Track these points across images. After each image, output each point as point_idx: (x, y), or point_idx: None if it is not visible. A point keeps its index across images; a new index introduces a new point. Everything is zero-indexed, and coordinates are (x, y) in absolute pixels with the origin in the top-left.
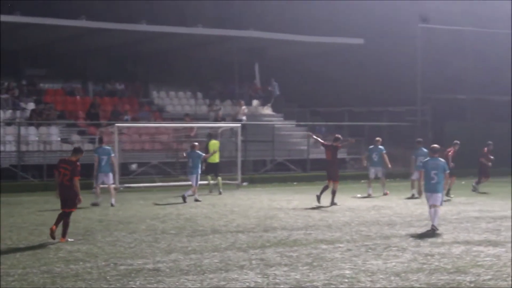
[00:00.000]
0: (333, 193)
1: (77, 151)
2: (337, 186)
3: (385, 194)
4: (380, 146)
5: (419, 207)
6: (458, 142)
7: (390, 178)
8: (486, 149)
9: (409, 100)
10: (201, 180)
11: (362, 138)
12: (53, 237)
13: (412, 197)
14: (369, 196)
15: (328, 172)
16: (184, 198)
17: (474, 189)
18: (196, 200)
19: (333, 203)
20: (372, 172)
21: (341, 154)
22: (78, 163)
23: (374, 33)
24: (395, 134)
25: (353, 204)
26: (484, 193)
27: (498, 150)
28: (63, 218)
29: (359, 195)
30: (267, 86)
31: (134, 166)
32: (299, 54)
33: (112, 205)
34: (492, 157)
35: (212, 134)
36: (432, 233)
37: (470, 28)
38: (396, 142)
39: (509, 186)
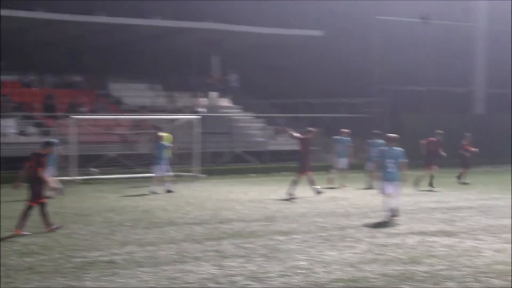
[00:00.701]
0: (312, 183)
1: (47, 144)
2: (312, 176)
3: (343, 186)
4: (347, 138)
5: (375, 198)
6: (441, 131)
7: (349, 169)
8: (464, 141)
9: (367, 91)
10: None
11: (320, 129)
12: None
13: (369, 187)
14: (340, 186)
15: (301, 164)
16: (153, 192)
17: (459, 181)
18: (168, 191)
19: (318, 192)
20: (338, 163)
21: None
22: (45, 156)
23: (332, 25)
24: (353, 126)
25: (310, 195)
26: (465, 183)
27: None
28: (28, 211)
29: (316, 187)
30: (225, 78)
31: (95, 170)
32: (258, 46)
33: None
34: (472, 148)
35: (160, 127)
36: (387, 222)
37: (427, 20)
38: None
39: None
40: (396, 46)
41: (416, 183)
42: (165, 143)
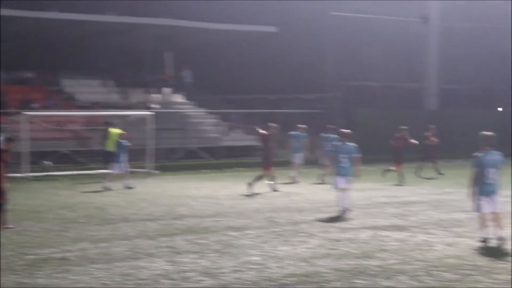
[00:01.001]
0: (272, 179)
1: (9, 140)
2: (274, 172)
3: (296, 181)
4: (303, 134)
5: (328, 193)
6: (405, 127)
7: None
8: (428, 132)
9: (321, 87)
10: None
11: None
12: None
13: (323, 182)
14: (295, 182)
15: (265, 160)
16: (107, 188)
17: (437, 173)
18: (128, 187)
19: (274, 189)
20: (295, 157)
21: (252, 141)
22: (7, 152)
23: (286, 21)
24: (307, 121)
25: (263, 191)
26: (431, 178)
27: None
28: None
29: (267, 182)
30: (179, 74)
31: (48, 163)
32: (212, 42)
33: None
34: (435, 139)
35: (110, 123)
36: (340, 216)
37: (381, 16)
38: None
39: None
40: (349, 42)
41: (383, 175)
42: (123, 141)
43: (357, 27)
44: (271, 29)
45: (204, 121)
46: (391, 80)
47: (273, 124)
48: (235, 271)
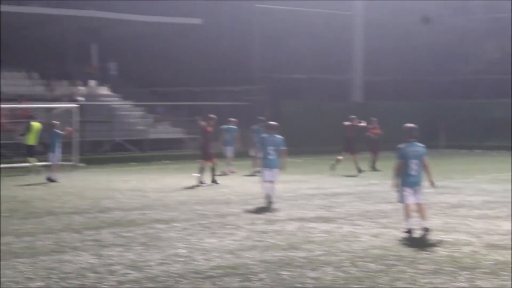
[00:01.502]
0: (202, 171)
1: None
2: (213, 164)
3: (229, 173)
4: (234, 126)
5: (255, 185)
6: (354, 116)
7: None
8: (370, 125)
9: (247, 79)
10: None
11: (200, 117)
12: None
13: (253, 174)
14: (225, 174)
15: (204, 152)
16: (50, 179)
17: (373, 169)
18: (51, 180)
19: (201, 182)
20: (227, 150)
21: (179, 134)
22: None
23: (211, 13)
24: (234, 114)
25: (190, 183)
26: (377, 170)
27: (333, 129)
28: None
29: (195, 174)
30: (104, 65)
31: None
32: (137, 34)
33: None
34: (378, 131)
35: (33, 116)
36: (267, 208)
37: (306, 8)
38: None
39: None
40: (275, 34)
41: (332, 167)
42: (58, 130)
43: (282, 19)
44: (196, 21)
45: (130, 114)
46: (317, 73)
47: (212, 115)
48: (161, 264)
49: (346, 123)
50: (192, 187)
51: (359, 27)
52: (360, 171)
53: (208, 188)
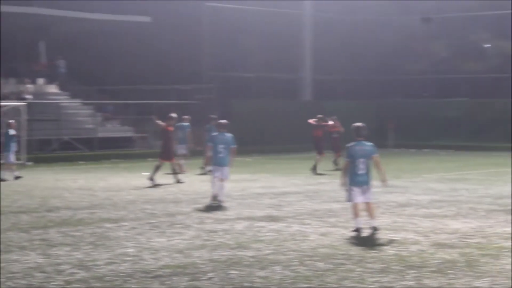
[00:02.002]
0: (156, 168)
1: None
2: (174, 163)
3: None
4: (186, 124)
5: (204, 184)
6: (320, 115)
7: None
8: (332, 123)
9: (197, 78)
10: None
11: (150, 116)
12: None
13: (206, 172)
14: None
15: (163, 152)
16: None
17: (336, 167)
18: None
19: (150, 178)
20: (179, 148)
21: (128, 133)
22: None
23: (160, 11)
24: (183, 112)
25: (139, 183)
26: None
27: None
28: None
29: (145, 173)
30: (53, 63)
31: None
32: (86, 31)
33: None
34: (338, 129)
35: None
36: (216, 207)
37: (256, 7)
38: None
39: (291, 163)
40: (225, 32)
41: (313, 169)
42: (11, 130)
43: (232, 18)
44: (145, 19)
45: (79, 112)
46: (266, 71)
47: (172, 115)
48: (109, 263)
49: (312, 121)
50: (141, 187)
51: (308, 26)
52: (314, 170)
53: (157, 187)
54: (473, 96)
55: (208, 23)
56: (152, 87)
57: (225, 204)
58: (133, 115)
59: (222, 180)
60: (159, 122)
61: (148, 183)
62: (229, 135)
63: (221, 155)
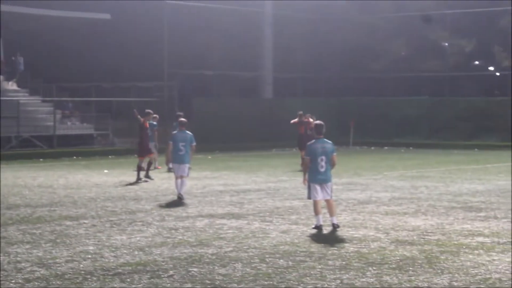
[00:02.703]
0: (139, 168)
1: None
2: (142, 160)
3: (155, 168)
4: (154, 122)
5: (165, 182)
6: (301, 112)
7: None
8: (306, 118)
9: (157, 75)
10: None
11: (109, 113)
12: None
13: (169, 170)
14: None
15: (141, 147)
16: None
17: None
18: None
19: (146, 177)
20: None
21: (88, 130)
22: None
23: (120, 8)
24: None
25: (99, 180)
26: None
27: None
28: None
29: (106, 171)
30: (11, 60)
31: None
32: (45, 28)
33: None
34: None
35: None
36: (177, 205)
37: (216, 5)
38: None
39: (252, 161)
40: (185, 30)
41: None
42: None
43: (192, 16)
44: (105, 16)
45: (38, 109)
46: (227, 69)
47: (149, 111)
48: (69, 261)
49: (294, 120)
50: (101, 184)
51: (269, 24)
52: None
53: (117, 185)
54: (433, 94)
55: (168, 20)
56: (112, 84)
57: (186, 202)
58: (93, 112)
59: (182, 177)
60: (139, 117)
61: (109, 180)
62: (188, 133)
63: (181, 152)
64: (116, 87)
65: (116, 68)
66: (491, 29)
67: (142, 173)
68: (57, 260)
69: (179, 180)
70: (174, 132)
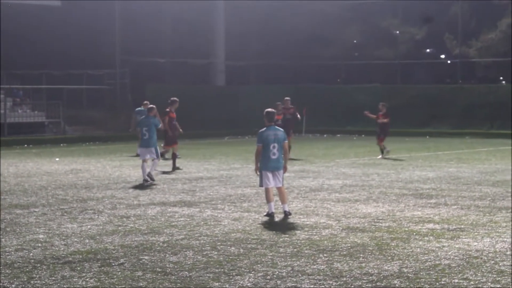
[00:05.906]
0: (174, 156)
1: None
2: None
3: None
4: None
5: (117, 170)
6: (288, 98)
7: (91, 141)
8: (286, 105)
9: (109, 63)
10: None
11: (60, 101)
12: None
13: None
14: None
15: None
16: None
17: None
18: None
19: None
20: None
21: (39, 118)
22: None
23: None
24: (95, 97)
25: (50, 168)
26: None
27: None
28: None
29: (57, 159)
30: None
31: None
32: None
33: None
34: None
35: None
36: (129, 193)
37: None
38: (96, 105)
39: (205, 148)
40: (138, 17)
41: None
42: None
43: (144, 2)
44: (55, 3)
45: None
46: (179, 57)
47: (176, 99)
48: (19, 250)
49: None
50: (52, 172)
51: (220, 11)
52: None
53: (67, 173)
54: (385, 82)
55: (120, 7)
56: (64, 72)
57: (137, 190)
58: (44, 100)
59: (147, 161)
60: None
61: (60, 168)
62: (154, 118)
63: (145, 137)
64: (67, 74)
65: (67, 56)
66: (442, 17)
67: (178, 161)
68: (7, 249)
69: (145, 164)
70: (141, 117)
